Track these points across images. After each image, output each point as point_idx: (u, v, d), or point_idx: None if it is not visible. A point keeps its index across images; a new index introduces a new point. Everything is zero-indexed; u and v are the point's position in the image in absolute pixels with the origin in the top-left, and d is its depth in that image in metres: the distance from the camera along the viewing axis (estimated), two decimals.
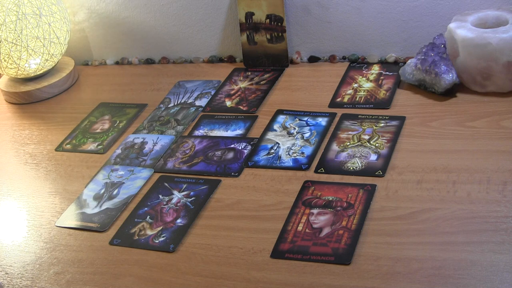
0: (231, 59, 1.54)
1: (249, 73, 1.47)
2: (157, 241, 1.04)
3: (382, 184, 1.06)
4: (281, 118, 1.28)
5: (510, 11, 1.25)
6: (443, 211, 0.98)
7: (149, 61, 1.61)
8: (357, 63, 1.43)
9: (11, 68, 1.49)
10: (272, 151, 1.19)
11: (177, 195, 1.13)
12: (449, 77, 1.22)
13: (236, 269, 0.96)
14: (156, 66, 1.60)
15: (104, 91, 1.53)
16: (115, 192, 1.17)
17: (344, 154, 1.15)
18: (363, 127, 1.21)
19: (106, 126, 1.38)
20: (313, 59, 1.48)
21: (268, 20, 1.45)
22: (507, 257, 0.89)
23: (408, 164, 1.09)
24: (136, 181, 1.19)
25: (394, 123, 1.20)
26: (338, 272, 0.92)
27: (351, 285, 0.90)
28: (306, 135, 1.22)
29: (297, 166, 1.14)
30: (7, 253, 1.08)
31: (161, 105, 1.40)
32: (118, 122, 1.38)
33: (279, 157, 1.17)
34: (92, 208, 1.14)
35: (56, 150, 1.34)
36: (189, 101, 1.40)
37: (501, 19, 1.25)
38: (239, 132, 1.27)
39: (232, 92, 1.40)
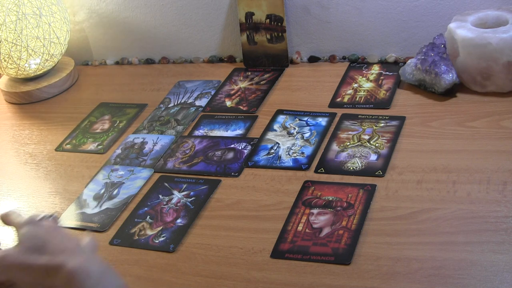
0: (231, 59, 1.54)
1: (249, 73, 1.47)
2: (157, 241, 1.04)
3: (382, 184, 1.06)
4: (281, 118, 1.28)
5: (510, 11, 1.25)
6: (443, 211, 0.98)
7: (149, 61, 1.61)
8: (357, 63, 1.43)
9: (11, 68, 1.49)
10: (272, 151, 1.19)
11: (177, 195, 1.13)
12: (449, 77, 1.22)
13: (236, 269, 0.96)
14: (156, 66, 1.60)
15: (104, 91, 1.53)
16: (115, 192, 1.17)
17: (344, 154, 1.15)
18: (363, 127, 1.21)
19: (106, 126, 1.38)
20: (313, 59, 1.48)
21: (268, 20, 1.45)
22: (507, 257, 0.89)
23: (408, 164, 1.09)
24: (136, 181, 1.19)
25: (394, 123, 1.20)
26: (338, 272, 0.92)
27: (351, 285, 0.90)
28: (306, 135, 1.22)
29: (297, 166, 1.14)
30: None
31: (161, 105, 1.40)
32: (118, 122, 1.38)
33: (279, 157, 1.17)
34: (92, 208, 1.14)
35: (56, 150, 1.34)
36: (189, 101, 1.40)
37: (501, 19, 1.25)
38: (239, 132, 1.27)
39: (232, 92, 1.40)
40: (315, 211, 1.03)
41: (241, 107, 1.35)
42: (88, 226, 1.10)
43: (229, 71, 1.49)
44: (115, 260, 1.02)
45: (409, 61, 1.30)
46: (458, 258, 0.90)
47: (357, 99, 1.30)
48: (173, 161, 1.22)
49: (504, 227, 0.94)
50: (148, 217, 1.09)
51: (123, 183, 1.19)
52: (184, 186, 1.15)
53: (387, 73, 1.36)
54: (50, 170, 1.28)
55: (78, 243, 0.73)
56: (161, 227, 1.06)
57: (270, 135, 1.24)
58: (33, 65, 1.50)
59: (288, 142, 1.21)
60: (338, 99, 1.31)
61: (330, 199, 1.05)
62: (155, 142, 1.28)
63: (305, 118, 1.26)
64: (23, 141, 1.39)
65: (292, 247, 0.97)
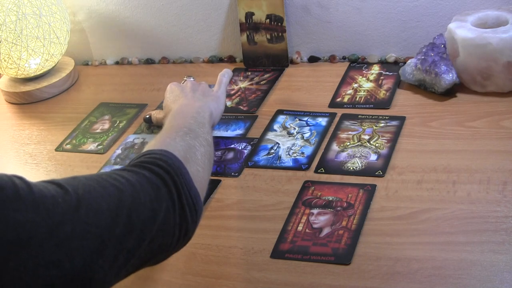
0: (231, 59, 1.54)
1: (249, 73, 1.47)
2: None
3: (382, 184, 1.06)
4: (281, 118, 1.28)
5: (510, 11, 1.25)
6: (443, 211, 0.98)
7: (149, 61, 1.61)
8: (357, 63, 1.43)
9: (11, 68, 1.49)
10: (272, 151, 1.19)
11: None
12: (449, 77, 1.22)
13: (236, 269, 0.96)
14: (156, 66, 1.60)
15: (104, 91, 1.53)
16: None
17: (344, 154, 1.14)
18: (363, 127, 1.21)
19: (106, 126, 1.38)
20: (313, 59, 1.48)
21: (268, 20, 1.45)
22: (507, 257, 0.89)
23: (408, 164, 1.09)
24: None
25: (394, 123, 1.20)
26: (338, 272, 0.92)
27: (351, 285, 0.90)
28: (306, 135, 1.22)
29: (297, 166, 1.14)
30: None
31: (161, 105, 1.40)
32: (118, 122, 1.38)
33: (279, 157, 1.17)
34: None
35: (56, 150, 1.34)
36: None
37: (501, 19, 1.25)
38: (239, 132, 1.27)
39: (232, 92, 1.40)
40: (315, 211, 1.03)
41: (241, 107, 1.35)
42: None
43: None
44: None
45: (409, 61, 1.30)
46: (458, 258, 0.90)
47: (357, 99, 1.30)
48: None
49: (504, 227, 0.94)
50: None
51: None
52: None
53: (387, 73, 1.36)
54: (50, 170, 1.27)
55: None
56: None
57: (270, 135, 1.24)
58: (33, 65, 1.50)
59: (288, 142, 1.21)
60: (338, 99, 1.31)
61: (330, 199, 1.05)
62: None
63: (305, 118, 1.26)
64: (23, 141, 1.39)
65: (292, 247, 0.97)
